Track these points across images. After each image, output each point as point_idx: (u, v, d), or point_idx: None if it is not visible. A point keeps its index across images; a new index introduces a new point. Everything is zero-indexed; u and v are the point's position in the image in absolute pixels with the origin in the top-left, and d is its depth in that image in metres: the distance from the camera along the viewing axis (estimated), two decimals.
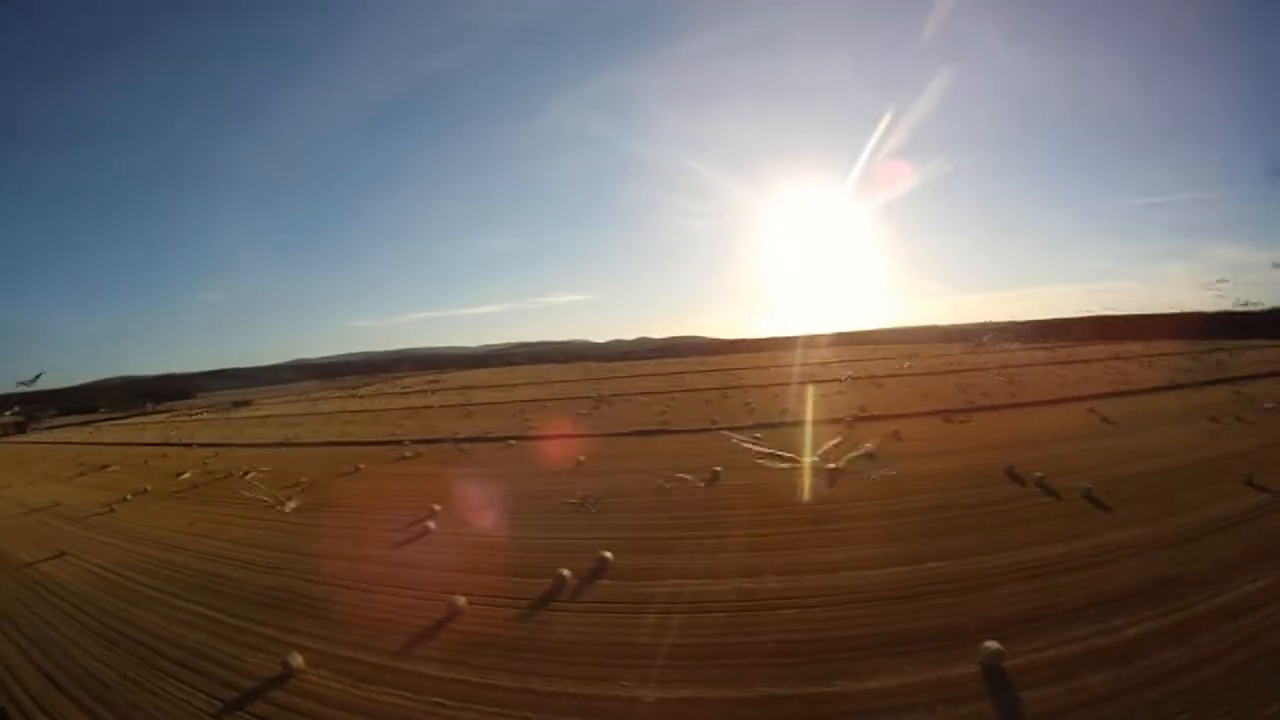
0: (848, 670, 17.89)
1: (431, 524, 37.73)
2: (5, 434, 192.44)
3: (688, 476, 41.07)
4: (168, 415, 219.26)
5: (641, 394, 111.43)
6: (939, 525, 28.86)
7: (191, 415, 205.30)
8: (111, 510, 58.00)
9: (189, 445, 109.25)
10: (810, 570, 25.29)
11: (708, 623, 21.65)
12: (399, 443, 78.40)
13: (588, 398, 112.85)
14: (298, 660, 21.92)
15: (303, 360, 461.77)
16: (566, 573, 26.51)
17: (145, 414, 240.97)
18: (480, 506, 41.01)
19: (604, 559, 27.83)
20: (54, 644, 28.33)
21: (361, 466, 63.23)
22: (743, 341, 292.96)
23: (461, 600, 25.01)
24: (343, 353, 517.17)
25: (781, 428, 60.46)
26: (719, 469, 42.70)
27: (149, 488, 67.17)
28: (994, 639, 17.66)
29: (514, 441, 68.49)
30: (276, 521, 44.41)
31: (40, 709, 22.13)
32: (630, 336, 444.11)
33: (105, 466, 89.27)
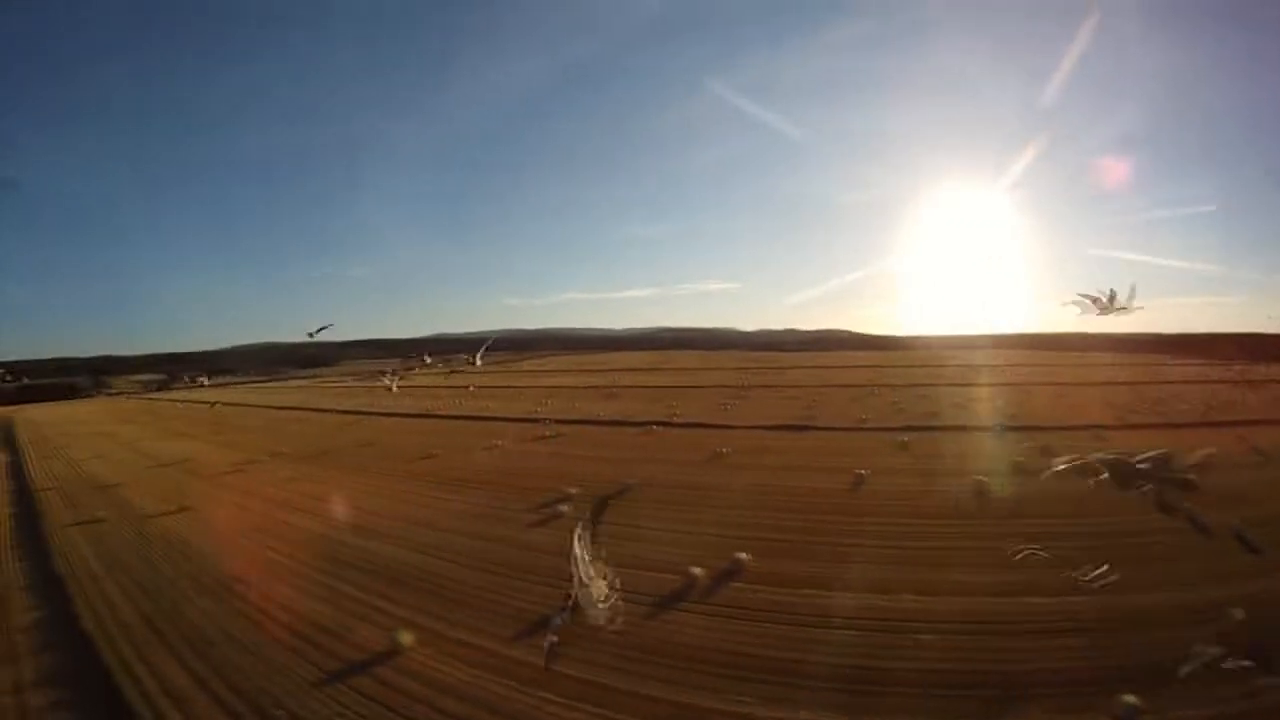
0: (979, 710, 16.46)
1: (565, 508, 36.90)
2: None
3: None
4: (310, 380, 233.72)
5: (788, 386, 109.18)
6: (1084, 554, 25.87)
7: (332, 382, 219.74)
8: (242, 470, 61.02)
9: (328, 411, 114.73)
10: (952, 592, 23.45)
11: (839, 640, 20.22)
12: (538, 420, 78.69)
13: (732, 387, 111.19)
14: (407, 638, 21.67)
15: (446, 335, 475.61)
16: (698, 571, 25.17)
17: (284, 379, 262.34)
18: (615, 493, 40.36)
19: (738, 560, 26.21)
20: (164, 597, 28.98)
21: (499, 443, 63.74)
22: (890, 339, 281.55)
23: None
24: (490, 329, 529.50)
25: (931, 432, 56.94)
26: (864, 472, 40.35)
27: (285, 450, 70.89)
28: (1131, 692, 15.87)
29: (655, 427, 67.57)
30: (409, 494, 45.06)
31: (139, 657, 22.77)
32: (778, 327, 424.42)
33: (238, 427, 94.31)
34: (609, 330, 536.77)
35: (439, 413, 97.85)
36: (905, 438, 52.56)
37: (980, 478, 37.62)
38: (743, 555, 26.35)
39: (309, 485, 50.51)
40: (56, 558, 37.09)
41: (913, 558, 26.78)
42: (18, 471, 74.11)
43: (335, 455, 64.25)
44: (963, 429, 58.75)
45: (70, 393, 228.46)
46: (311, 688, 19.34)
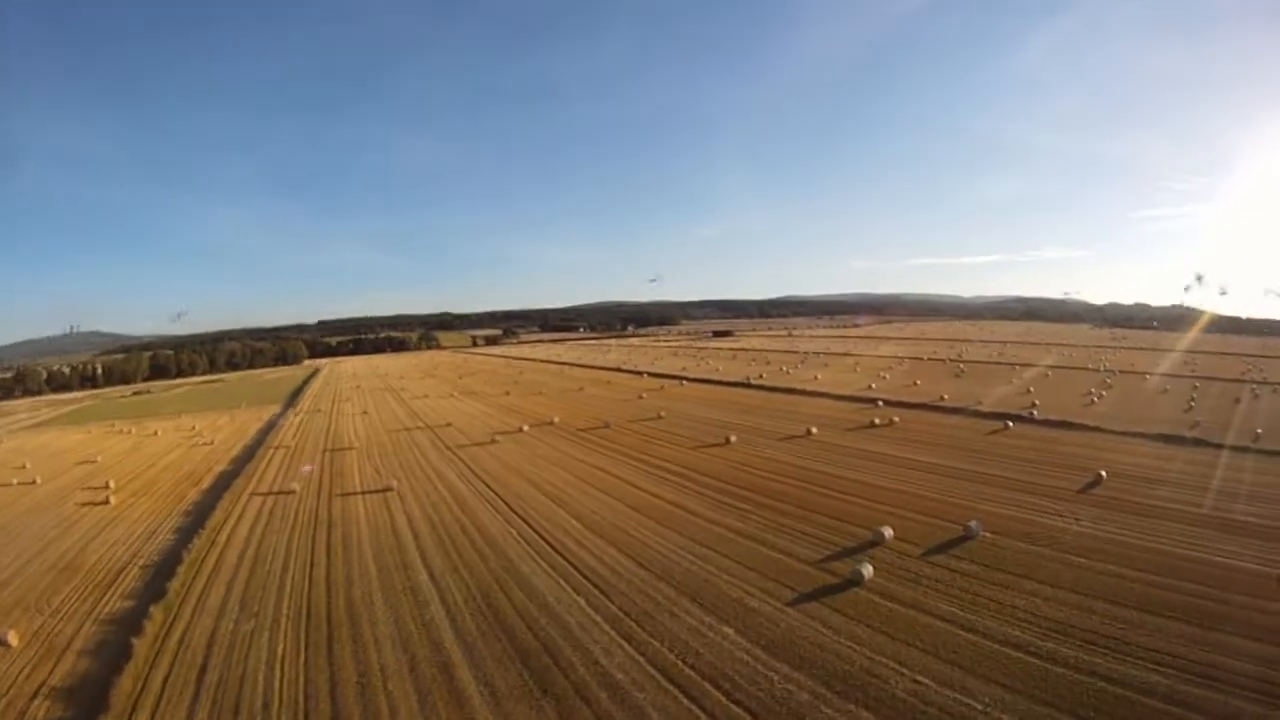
0: None
1: (866, 568, 24.50)
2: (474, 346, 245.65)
3: None
4: (644, 340, 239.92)
5: (1157, 373, 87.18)
6: None
7: (662, 342, 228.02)
8: (493, 442, 56.52)
9: (640, 373, 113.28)
10: None
11: None
12: (871, 402, 66.61)
13: (1094, 370, 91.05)
14: None
15: (793, 297, 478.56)
16: None
17: (621, 336, 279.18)
18: (946, 542, 27.72)
19: None
20: (257, 619, 24.64)
21: (812, 430, 52.17)
22: (1243, 320, 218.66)
23: None
24: (839, 293, 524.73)
25: None
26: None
27: (556, 420, 66.11)
28: None
29: (1011, 424, 51.95)
30: (666, 505, 35.53)
31: None
32: (1127, 301, 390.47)
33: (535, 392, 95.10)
34: (957, 298, 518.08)
35: (759, 382, 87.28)
36: None
37: None
38: None
39: (548, 470, 43.80)
40: (206, 534, 34.27)
41: None
42: (271, 426, 77.00)
43: (611, 431, 56.39)
44: None
45: (398, 347, 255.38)
46: None
